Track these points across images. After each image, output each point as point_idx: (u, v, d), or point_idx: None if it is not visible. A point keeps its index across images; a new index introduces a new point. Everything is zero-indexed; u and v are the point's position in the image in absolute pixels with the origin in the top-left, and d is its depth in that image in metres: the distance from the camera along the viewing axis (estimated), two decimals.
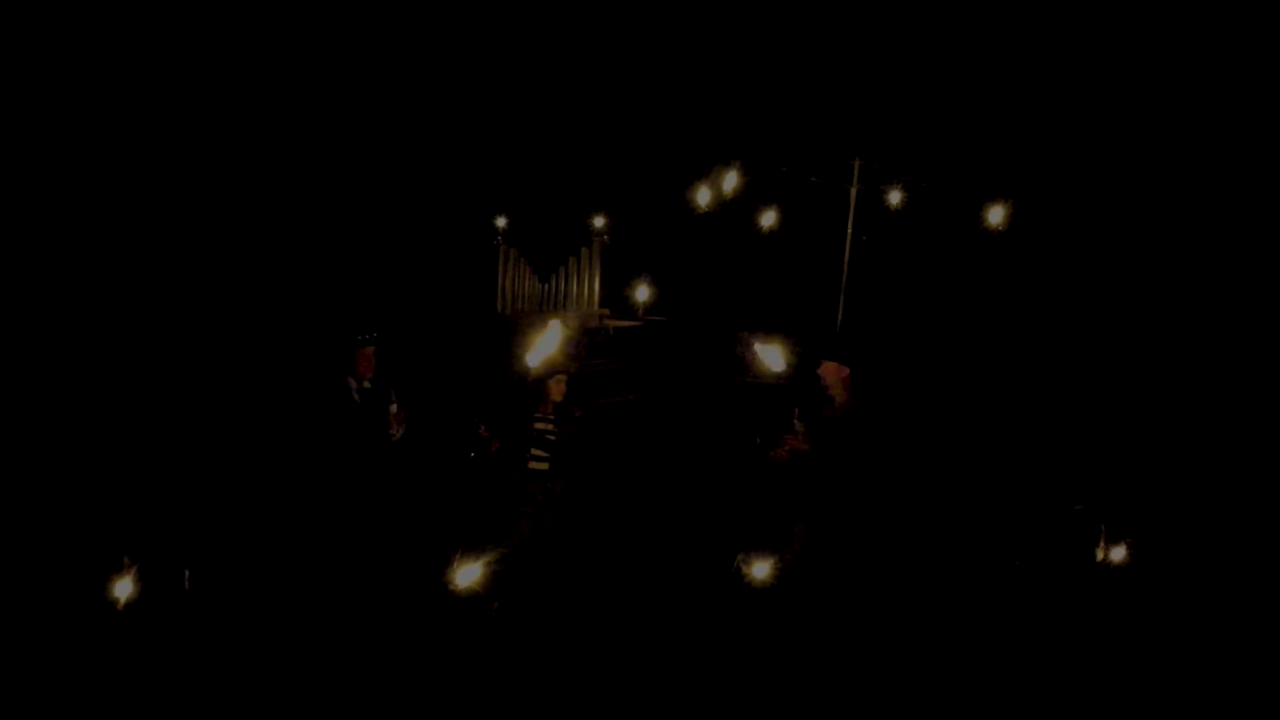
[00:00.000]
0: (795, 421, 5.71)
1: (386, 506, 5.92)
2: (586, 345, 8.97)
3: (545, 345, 5.57)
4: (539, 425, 5.81)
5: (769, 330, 6.08)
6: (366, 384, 5.87)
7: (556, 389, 5.82)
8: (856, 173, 8.41)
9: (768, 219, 8.65)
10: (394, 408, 5.90)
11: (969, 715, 4.78)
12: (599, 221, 9.77)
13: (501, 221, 9.92)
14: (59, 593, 5.05)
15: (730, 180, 7.93)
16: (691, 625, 5.53)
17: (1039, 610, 5.32)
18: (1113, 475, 6.85)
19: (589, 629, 5.60)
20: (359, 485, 5.80)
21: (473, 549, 4.50)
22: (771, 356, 5.66)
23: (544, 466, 5.77)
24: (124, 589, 4.09)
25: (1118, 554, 5.09)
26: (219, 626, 5.11)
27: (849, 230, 8.47)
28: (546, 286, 9.79)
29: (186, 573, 4.26)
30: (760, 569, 4.88)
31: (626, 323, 9.79)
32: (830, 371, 5.81)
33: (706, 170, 8.19)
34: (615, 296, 9.94)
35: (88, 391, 7.50)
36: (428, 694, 4.90)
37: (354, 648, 5.16)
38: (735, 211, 8.48)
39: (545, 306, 9.66)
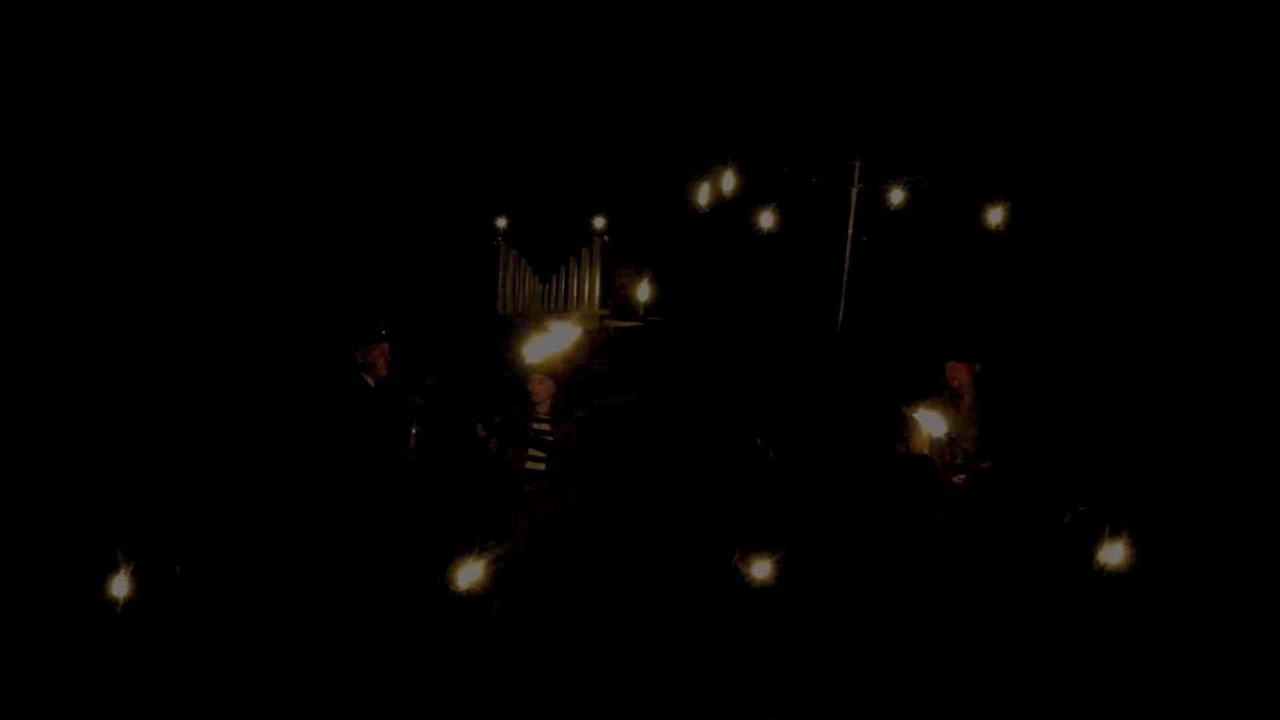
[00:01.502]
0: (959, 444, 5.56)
1: (390, 505, 5.92)
2: (585, 346, 8.95)
3: (549, 344, 5.55)
4: (537, 425, 5.79)
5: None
6: (372, 381, 5.87)
7: (542, 389, 5.78)
8: (857, 173, 8.41)
9: (768, 219, 8.65)
10: (415, 430, 5.89)
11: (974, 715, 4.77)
12: (599, 221, 9.76)
13: (502, 222, 9.92)
14: (64, 587, 5.06)
15: (730, 180, 7.92)
16: (690, 624, 5.53)
17: (1044, 612, 5.30)
18: (1116, 476, 6.83)
19: (589, 629, 5.59)
20: (366, 484, 5.80)
21: (473, 549, 4.49)
22: (932, 422, 5.41)
23: (541, 467, 5.77)
24: (120, 586, 4.08)
25: (1122, 555, 5.06)
26: (219, 625, 5.11)
27: (849, 230, 8.47)
28: (547, 286, 9.78)
29: (177, 568, 4.25)
30: (760, 569, 4.88)
31: (627, 323, 9.78)
32: (962, 371, 5.79)
33: (707, 170, 8.20)
34: (615, 296, 9.93)
35: (98, 392, 7.53)
36: (429, 694, 4.90)
37: (355, 648, 5.16)
38: (735, 211, 8.48)
39: (546, 306, 9.65)
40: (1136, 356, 8.54)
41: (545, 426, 5.81)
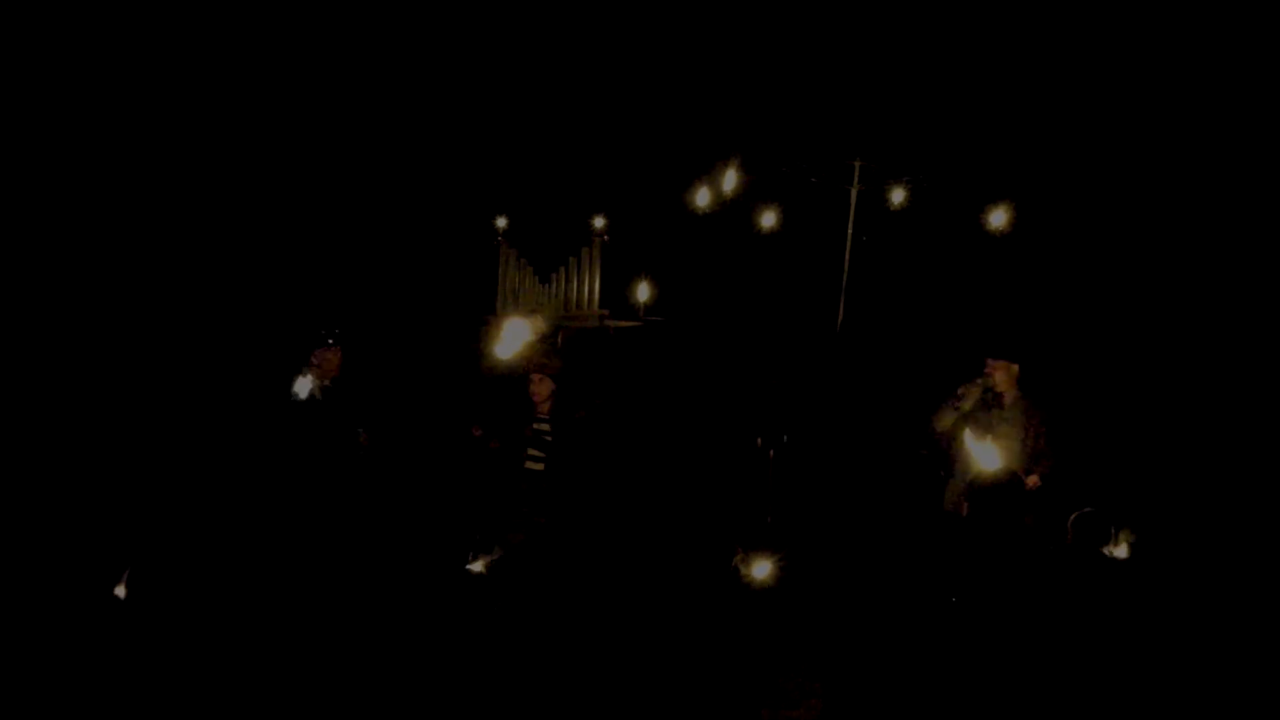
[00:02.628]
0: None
1: (367, 507, 5.91)
2: (562, 342, 8.91)
3: (510, 341, 5.48)
4: (537, 426, 5.77)
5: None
6: (326, 383, 5.87)
7: (542, 387, 5.75)
8: (857, 173, 8.40)
9: (768, 219, 8.64)
10: (362, 435, 5.92)
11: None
12: (599, 221, 9.75)
13: (502, 221, 9.91)
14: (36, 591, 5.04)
15: (730, 180, 7.91)
16: (691, 624, 5.51)
17: (1048, 612, 5.29)
18: (1120, 476, 6.82)
19: (590, 629, 5.58)
20: (329, 486, 5.80)
21: (473, 550, 4.48)
22: (987, 456, 5.34)
23: (541, 467, 5.74)
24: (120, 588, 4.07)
25: (1127, 558, 5.03)
26: (211, 626, 5.09)
27: (849, 230, 8.46)
28: (546, 286, 9.77)
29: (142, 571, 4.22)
30: (760, 569, 4.85)
31: (626, 323, 9.77)
32: (1000, 369, 5.83)
33: (707, 170, 8.19)
34: (616, 296, 9.92)
35: (58, 392, 7.51)
36: (429, 694, 4.88)
37: (353, 648, 5.14)
38: (735, 211, 8.47)
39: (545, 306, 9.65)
40: (1137, 355, 8.54)
41: (545, 426, 5.78)
